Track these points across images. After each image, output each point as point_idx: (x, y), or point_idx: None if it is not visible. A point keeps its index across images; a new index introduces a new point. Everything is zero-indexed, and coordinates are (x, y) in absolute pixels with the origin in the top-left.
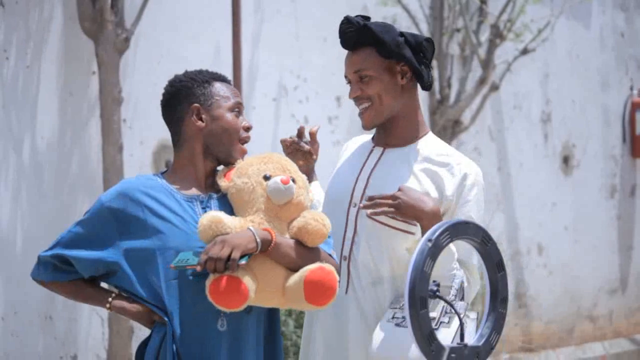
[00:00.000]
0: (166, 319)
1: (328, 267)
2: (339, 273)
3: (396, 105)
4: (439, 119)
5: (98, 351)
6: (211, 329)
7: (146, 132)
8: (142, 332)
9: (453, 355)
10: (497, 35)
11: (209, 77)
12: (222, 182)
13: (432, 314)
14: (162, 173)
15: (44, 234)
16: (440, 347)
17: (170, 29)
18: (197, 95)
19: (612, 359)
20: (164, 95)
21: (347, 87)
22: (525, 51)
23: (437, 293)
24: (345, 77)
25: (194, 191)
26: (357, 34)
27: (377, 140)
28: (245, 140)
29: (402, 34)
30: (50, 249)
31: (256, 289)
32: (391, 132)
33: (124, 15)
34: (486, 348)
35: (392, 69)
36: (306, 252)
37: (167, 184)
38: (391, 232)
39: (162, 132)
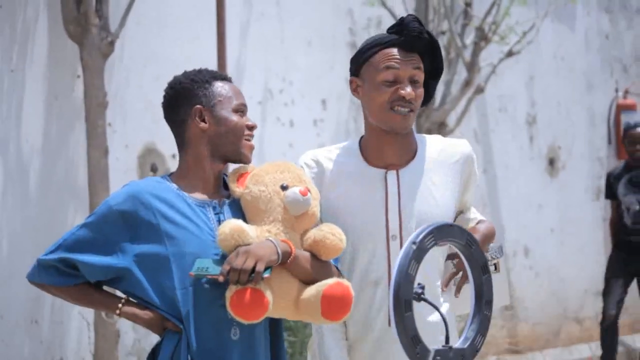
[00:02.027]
0: (181, 326)
1: (345, 282)
2: None
3: None
4: (424, 121)
5: (84, 355)
6: (225, 338)
7: (131, 135)
8: (127, 335)
9: (438, 357)
10: (482, 38)
11: (209, 77)
12: (236, 188)
13: None
14: (169, 175)
15: (29, 238)
16: (425, 350)
17: (155, 32)
18: (199, 97)
19: None
20: (164, 97)
21: (333, 90)
22: (510, 53)
23: (422, 296)
24: (393, 73)
25: (204, 196)
26: (427, 41)
27: (377, 161)
28: (249, 139)
29: None
30: (52, 252)
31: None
32: (404, 146)
33: (109, 19)
34: (471, 350)
35: None
36: (320, 265)
37: (177, 187)
38: (440, 249)
39: (147, 136)
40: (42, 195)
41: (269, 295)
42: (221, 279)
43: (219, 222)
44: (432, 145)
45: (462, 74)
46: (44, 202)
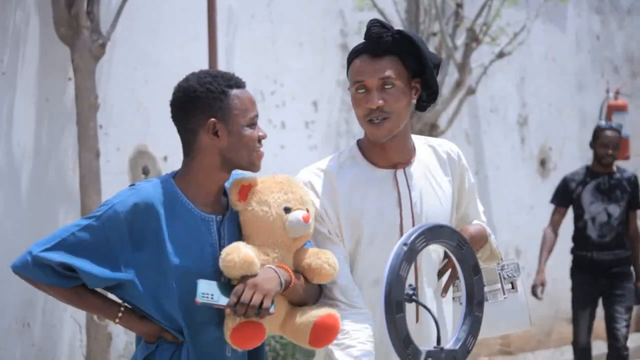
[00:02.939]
0: (181, 338)
1: (335, 313)
2: None
3: (405, 122)
4: (415, 123)
5: (76, 358)
6: (220, 355)
7: (123, 138)
8: (119, 338)
9: (430, 358)
10: (473, 39)
11: (224, 86)
12: (237, 202)
13: (493, 287)
14: (174, 177)
15: (20, 241)
16: (417, 351)
17: (146, 34)
18: (214, 109)
19: None
20: (174, 99)
21: (324, 92)
22: (501, 55)
23: (414, 297)
24: (358, 82)
25: (207, 206)
26: (393, 40)
27: (384, 162)
28: (259, 149)
29: None
30: (50, 249)
31: None
32: (397, 149)
33: (100, 21)
34: (463, 351)
35: (410, 84)
36: (309, 288)
37: (183, 195)
38: (441, 248)
39: (138, 138)
40: (34, 198)
41: (266, 325)
42: (228, 311)
43: (220, 237)
44: (423, 145)
45: (453, 75)
46: (36, 205)
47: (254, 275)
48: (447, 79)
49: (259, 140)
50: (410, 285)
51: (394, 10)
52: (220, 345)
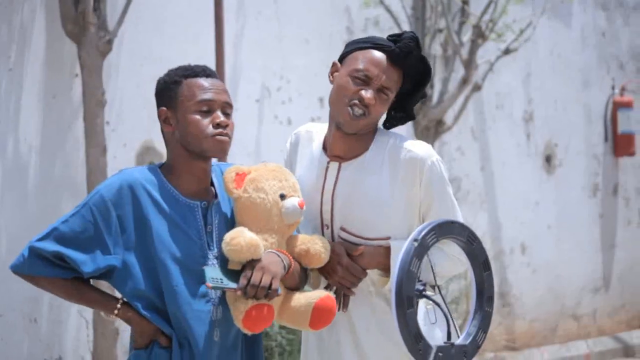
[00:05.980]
0: (169, 331)
1: (332, 295)
2: None
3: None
4: (421, 119)
5: (83, 353)
6: (209, 340)
7: (129, 134)
8: (126, 333)
9: (440, 354)
10: (479, 36)
11: (180, 76)
12: (234, 189)
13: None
14: (160, 167)
15: (27, 237)
16: (428, 346)
17: (153, 31)
18: (165, 99)
19: (596, 357)
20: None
21: (330, 88)
22: (507, 51)
23: (424, 292)
24: (366, 73)
25: (192, 194)
26: (415, 61)
27: (330, 152)
28: (218, 135)
29: None
30: (43, 239)
31: None
32: (351, 144)
33: (107, 18)
34: (473, 347)
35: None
36: (302, 272)
37: (168, 183)
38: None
39: (145, 134)
40: (41, 194)
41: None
42: (239, 293)
43: (206, 224)
44: (389, 145)
45: (459, 71)
46: (43, 201)
47: (259, 260)
48: (453, 75)
49: (217, 126)
50: (420, 280)
51: (400, 6)
52: (209, 328)
